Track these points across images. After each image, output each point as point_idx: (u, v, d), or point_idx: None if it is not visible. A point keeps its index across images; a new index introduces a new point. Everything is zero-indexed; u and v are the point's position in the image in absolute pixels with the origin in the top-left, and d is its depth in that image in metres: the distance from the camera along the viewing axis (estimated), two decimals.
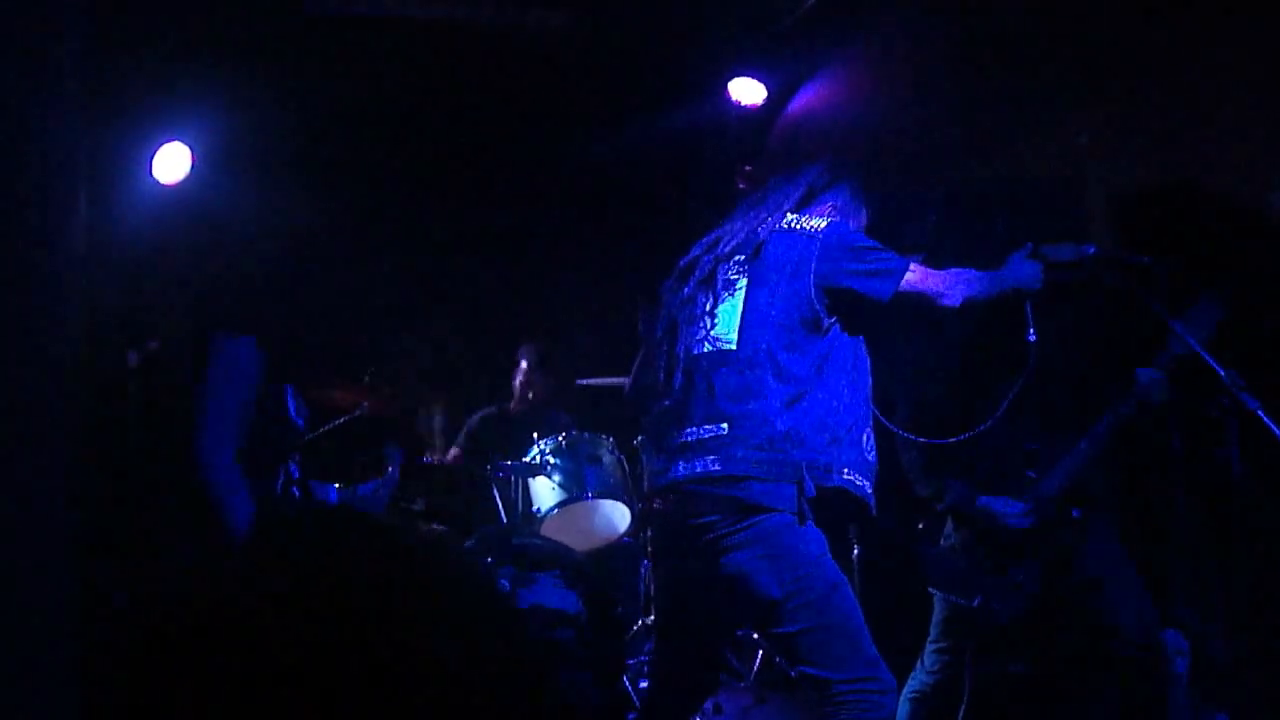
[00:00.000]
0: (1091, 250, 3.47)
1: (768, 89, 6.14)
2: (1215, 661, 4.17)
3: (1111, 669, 3.91)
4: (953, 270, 3.27)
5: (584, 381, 5.75)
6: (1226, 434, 3.37)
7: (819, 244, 3.21)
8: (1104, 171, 4.81)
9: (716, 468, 3.07)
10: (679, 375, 3.25)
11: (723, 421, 3.11)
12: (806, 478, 3.03)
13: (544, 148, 6.58)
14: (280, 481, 3.63)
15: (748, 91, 6.14)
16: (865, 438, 3.20)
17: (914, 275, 3.18)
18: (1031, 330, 3.42)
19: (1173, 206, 4.57)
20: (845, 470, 3.11)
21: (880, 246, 3.23)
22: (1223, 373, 3.31)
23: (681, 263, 3.44)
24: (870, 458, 3.21)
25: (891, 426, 3.55)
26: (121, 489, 3.48)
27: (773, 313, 3.17)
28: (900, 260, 3.19)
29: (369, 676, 1.02)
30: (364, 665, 1.02)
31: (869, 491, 3.18)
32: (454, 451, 6.06)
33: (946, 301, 3.20)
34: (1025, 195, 4.49)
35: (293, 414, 3.66)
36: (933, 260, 3.39)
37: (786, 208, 3.38)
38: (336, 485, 4.49)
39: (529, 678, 1.12)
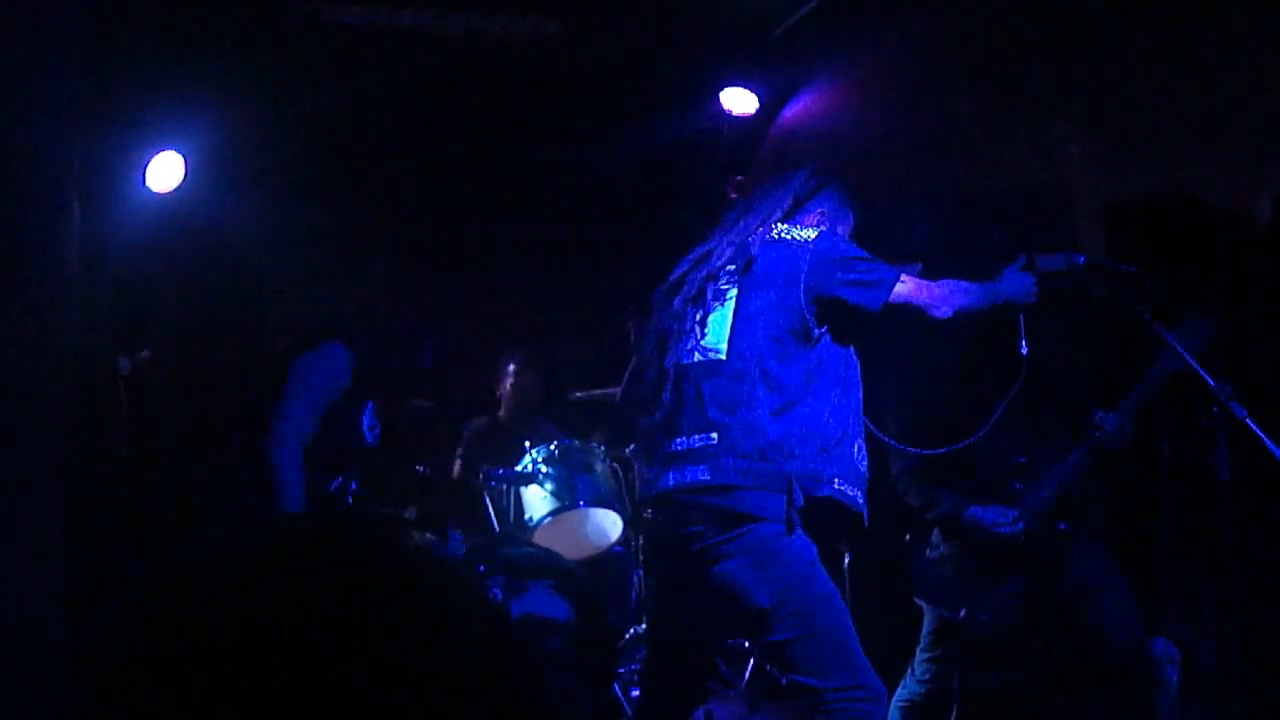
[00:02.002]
0: (1081, 260, 3.48)
1: (759, 98, 6.15)
2: (1206, 669, 4.18)
3: (1100, 679, 3.92)
4: (944, 281, 3.27)
5: (578, 395, 5.75)
6: (1216, 442, 3.38)
7: (809, 254, 3.21)
8: (1093, 180, 4.82)
9: (706, 477, 3.08)
10: (669, 386, 3.26)
11: (712, 431, 3.11)
12: (795, 487, 3.03)
13: (537, 156, 6.58)
14: (336, 485, 3.78)
15: (739, 101, 6.15)
16: (856, 448, 3.21)
17: (905, 286, 3.18)
18: (1023, 342, 3.43)
19: (1162, 215, 4.58)
20: (836, 480, 3.11)
21: (871, 257, 3.23)
22: (1212, 382, 3.32)
23: (671, 276, 3.44)
24: (861, 468, 3.21)
25: (882, 437, 3.56)
26: (110, 491, 3.51)
27: (763, 323, 3.18)
28: (891, 270, 3.20)
29: (358, 686, 1.02)
30: (353, 675, 1.03)
31: (860, 501, 3.18)
32: (457, 465, 6.07)
33: (937, 313, 3.21)
34: (1015, 204, 4.51)
35: (365, 427, 3.83)
36: (928, 270, 3.39)
37: (775, 217, 3.38)
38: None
39: (520, 686, 1.12)
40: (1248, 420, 3.23)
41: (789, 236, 3.29)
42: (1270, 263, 4.20)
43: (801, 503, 3.04)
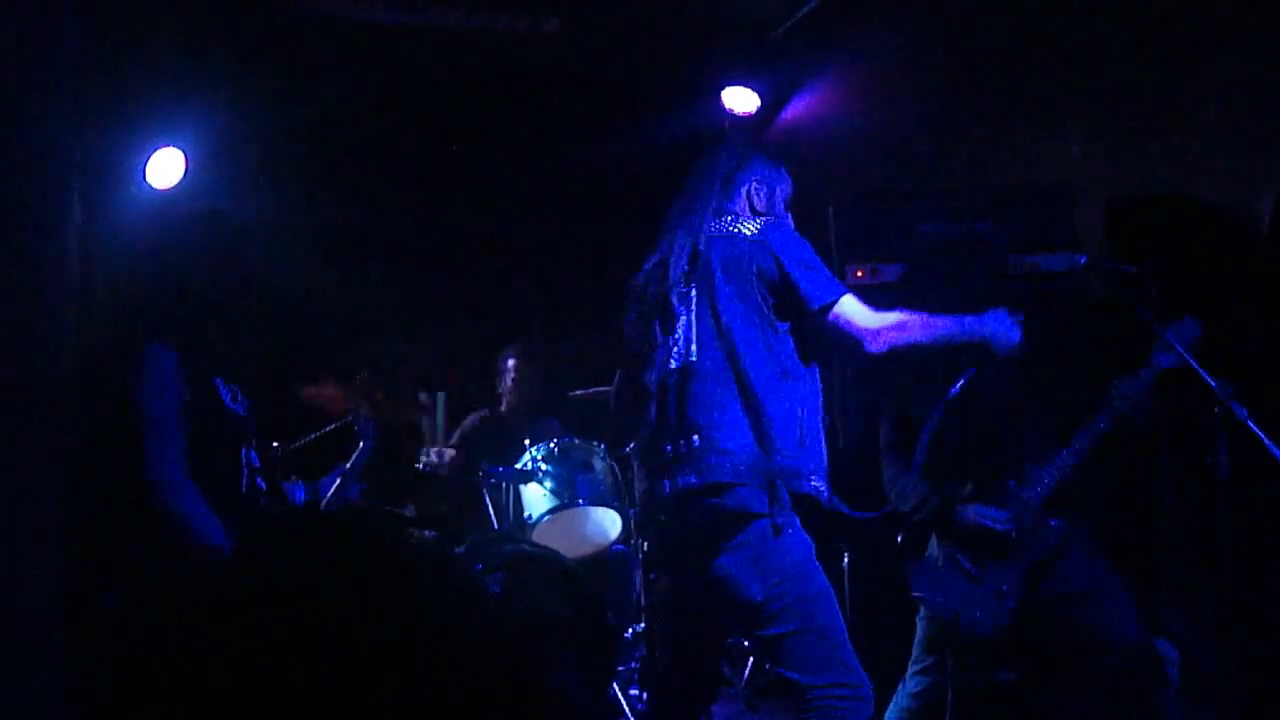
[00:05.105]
0: (1082, 260, 3.49)
1: (761, 97, 6.15)
2: (1205, 669, 4.18)
3: (1098, 680, 3.91)
4: (898, 316, 3.17)
5: (577, 393, 5.75)
6: (1216, 442, 3.38)
7: (759, 245, 3.21)
8: (1094, 181, 4.82)
9: (694, 479, 3.11)
10: (653, 395, 3.27)
11: (694, 434, 3.15)
12: (779, 483, 3.06)
13: (537, 154, 6.59)
14: (244, 475, 3.58)
15: (741, 100, 6.15)
16: (823, 439, 3.25)
17: (850, 305, 3.13)
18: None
19: (1162, 216, 4.58)
20: (813, 477, 3.15)
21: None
22: (1212, 381, 3.32)
23: (637, 280, 3.44)
24: (825, 458, 3.25)
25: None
26: (113, 491, 3.47)
27: (727, 321, 3.18)
28: (842, 286, 3.19)
29: (357, 683, 1.03)
30: (352, 672, 1.03)
31: (828, 496, 3.21)
32: (450, 452, 6.05)
33: (869, 348, 3.12)
34: (1016, 204, 4.50)
35: (229, 403, 3.59)
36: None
37: (714, 204, 3.36)
38: (302, 482, 4.44)
39: (519, 684, 1.12)
40: (1248, 420, 3.23)
41: (737, 230, 3.28)
42: (1271, 263, 4.19)
43: (787, 498, 3.06)
